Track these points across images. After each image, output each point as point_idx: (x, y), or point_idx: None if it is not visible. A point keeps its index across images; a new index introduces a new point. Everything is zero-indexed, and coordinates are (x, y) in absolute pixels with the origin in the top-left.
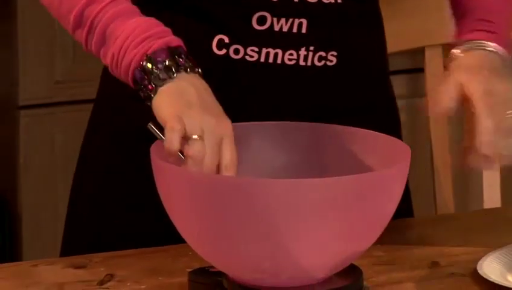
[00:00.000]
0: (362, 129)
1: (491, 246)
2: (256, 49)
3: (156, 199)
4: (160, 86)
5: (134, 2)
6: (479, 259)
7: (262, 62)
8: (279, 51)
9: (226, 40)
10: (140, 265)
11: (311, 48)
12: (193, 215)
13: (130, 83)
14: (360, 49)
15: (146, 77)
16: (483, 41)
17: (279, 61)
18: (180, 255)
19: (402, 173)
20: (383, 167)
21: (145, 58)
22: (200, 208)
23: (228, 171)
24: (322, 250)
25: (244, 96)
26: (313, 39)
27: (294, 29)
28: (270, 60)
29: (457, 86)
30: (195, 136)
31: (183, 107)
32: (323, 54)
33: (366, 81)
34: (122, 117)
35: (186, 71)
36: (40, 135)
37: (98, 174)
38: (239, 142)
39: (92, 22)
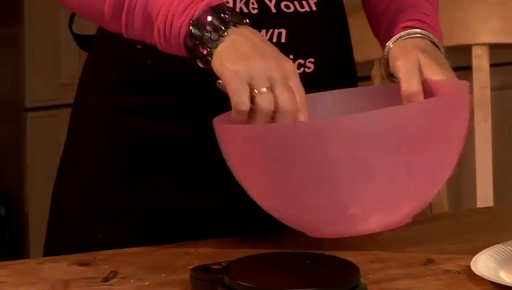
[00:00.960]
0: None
1: (485, 244)
2: None
3: (136, 208)
4: (215, 47)
5: None
6: (473, 257)
7: None
8: None
9: None
10: (143, 263)
11: (291, 56)
12: (274, 173)
13: (184, 53)
14: (333, 55)
15: (198, 42)
16: (414, 29)
17: None
18: (182, 253)
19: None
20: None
21: (191, 24)
22: (281, 163)
23: (302, 110)
24: (408, 183)
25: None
26: (292, 48)
27: (274, 39)
28: None
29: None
30: (263, 89)
31: (242, 61)
32: (301, 61)
33: (339, 85)
34: (100, 128)
35: (235, 26)
36: (46, 136)
37: (78, 184)
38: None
39: (129, 4)
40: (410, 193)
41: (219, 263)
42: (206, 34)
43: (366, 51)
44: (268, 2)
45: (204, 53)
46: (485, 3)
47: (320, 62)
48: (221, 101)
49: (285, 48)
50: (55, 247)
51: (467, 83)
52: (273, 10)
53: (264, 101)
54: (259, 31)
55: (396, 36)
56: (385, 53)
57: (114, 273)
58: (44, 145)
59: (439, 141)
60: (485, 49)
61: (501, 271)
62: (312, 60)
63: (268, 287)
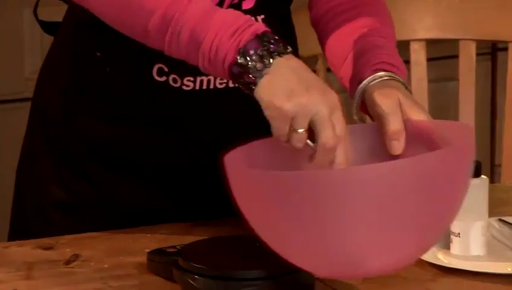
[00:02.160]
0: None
1: None
2: (191, 78)
3: (92, 202)
4: (260, 76)
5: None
6: None
7: (196, 90)
8: (212, 78)
9: (165, 69)
10: (103, 246)
11: None
12: (278, 215)
13: (229, 78)
14: None
15: (243, 70)
16: (383, 72)
17: (211, 86)
18: (139, 237)
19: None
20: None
21: (237, 53)
22: (286, 208)
23: (339, 143)
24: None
25: (181, 119)
26: None
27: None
28: (204, 87)
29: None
30: (300, 130)
31: (289, 98)
32: None
33: None
34: (54, 127)
35: (279, 55)
36: (11, 128)
37: (36, 179)
38: None
39: (176, 23)
40: (415, 240)
41: (174, 247)
42: (252, 63)
43: (309, 46)
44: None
45: (250, 81)
46: (421, 1)
47: None
48: (176, 110)
49: None
50: (19, 232)
51: (472, 127)
52: None
53: (295, 141)
54: None
55: (368, 80)
56: (358, 94)
57: (75, 257)
58: (9, 137)
59: (449, 187)
60: (422, 45)
61: (439, 253)
62: None
63: (219, 269)
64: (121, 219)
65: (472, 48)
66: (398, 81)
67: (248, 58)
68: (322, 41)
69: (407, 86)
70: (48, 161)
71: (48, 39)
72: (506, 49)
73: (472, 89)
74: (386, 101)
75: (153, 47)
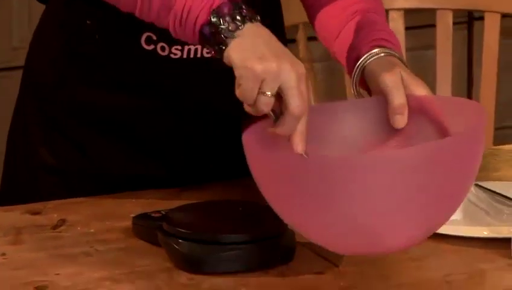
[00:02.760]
0: (428, 95)
1: None
2: (179, 47)
3: (82, 167)
4: (232, 37)
5: None
6: None
7: (184, 58)
8: (199, 47)
9: (154, 37)
10: (89, 211)
11: None
12: (294, 194)
13: (197, 41)
14: (264, 19)
15: (215, 30)
16: (381, 48)
17: (199, 55)
18: (124, 202)
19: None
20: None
21: (211, 13)
22: (299, 188)
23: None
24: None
25: (170, 87)
26: None
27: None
28: (191, 55)
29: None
30: (268, 93)
31: (261, 61)
32: None
33: None
34: (46, 94)
35: (250, 21)
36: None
37: (25, 143)
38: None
39: None
40: (427, 220)
41: (159, 211)
42: (225, 24)
43: (291, 16)
44: None
45: (220, 41)
46: None
47: None
48: (164, 78)
49: None
50: (9, 196)
51: (482, 107)
52: None
53: (261, 104)
54: None
55: (365, 56)
56: (357, 71)
57: (62, 221)
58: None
59: (462, 170)
60: (401, 14)
61: None
62: None
63: (202, 233)
64: (110, 185)
65: (449, 17)
66: (396, 56)
67: (221, 19)
68: (312, 15)
69: (404, 62)
70: (38, 127)
71: (36, 9)
72: (482, 18)
73: (449, 57)
74: (389, 77)
75: (124, 10)
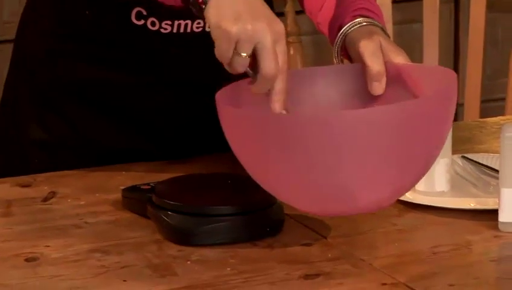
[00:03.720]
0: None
1: None
2: (169, 22)
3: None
4: None
5: None
6: None
7: (174, 33)
8: (189, 22)
9: (144, 12)
10: (79, 183)
11: None
12: (262, 153)
13: (179, 2)
14: None
15: None
16: (364, 18)
17: (189, 30)
18: (114, 175)
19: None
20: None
21: None
22: (268, 147)
23: (280, 74)
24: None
25: (160, 62)
26: None
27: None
28: (181, 30)
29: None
30: (243, 54)
31: (235, 21)
32: None
33: None
34: (37, 68)
35: None
36: None
37: (16, 117)
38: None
39: None
40: (396, 180)
41: (148, 184)
42: None
43: None
44: None
45: (199, 1)
46: None
47: None
48: (154, 53)
49: None
50: (1, 175)
51: (455, 74)
52: None
53: (236, 64)
54: None
55: (349, 25)
56: (339, 39)
57: (52, 194)
58: None
59: (431, 130)
60: None
61: None
62: None
63: (191, 205)
64: (100, 160)
65: None
66: (377, 26)
67: None
68: None
69: (385, 31)
70: (28, 101)
71: None
72: None
73: (436, 31)
74: (368, 45)
75: None
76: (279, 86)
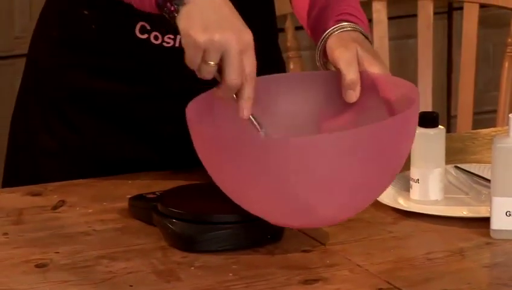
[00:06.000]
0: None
1: None
2: (172, 36)
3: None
4: (181, 4)
5: None
6: None
7: (176, 47)
8: None
9: (148, 27)
10: (87, 192)
11: None
12: (229, 170)
13: (156, 10)
14: (257, 23)
15: (166, 0)
16: (346, 23)
17: None
18: (121, 184)
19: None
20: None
21: None
22: (234, 165)
23: (248, 82)
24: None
25: (163, 74)
26: None
27: (173, 9)
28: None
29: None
30: (211, 63)
31: (203, 32)
32: None
33: (263, 38)
34: (46, 80)
35: None
36: (2, 82)
37: (26, 127)
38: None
39: None
40: (349, 195)
41: (154, 193)
42: None
43: (280, 6)
44: None
45: (172, 10)
46: None
47: (246, 18)
48: (157, 66)
49: None
50: (11, 180)
51: (415, 87)
52: None
53: (204, 71)
54: None
55: (330, 30)
56: (321, 43)
57: (62, 202)
58: (1, 91)
59: (391, 152)
60: (384, 4)
61: (399, 197)
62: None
63: (195, 213)
64: (106, 168)
65: (430, 7)
66: (360, 32)
67: None
68: None
69: (368, 37)
70: (38, 110)
71: (37, 0)
72: (461, 8)
73: (430, 46)
74: (344, 53)
75: None
76: (246, 93)
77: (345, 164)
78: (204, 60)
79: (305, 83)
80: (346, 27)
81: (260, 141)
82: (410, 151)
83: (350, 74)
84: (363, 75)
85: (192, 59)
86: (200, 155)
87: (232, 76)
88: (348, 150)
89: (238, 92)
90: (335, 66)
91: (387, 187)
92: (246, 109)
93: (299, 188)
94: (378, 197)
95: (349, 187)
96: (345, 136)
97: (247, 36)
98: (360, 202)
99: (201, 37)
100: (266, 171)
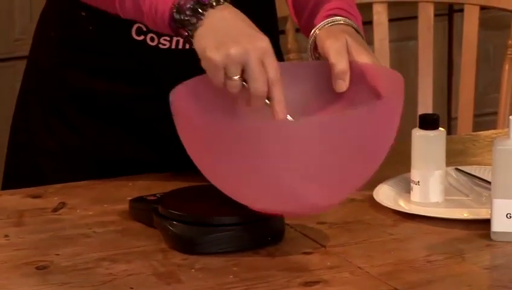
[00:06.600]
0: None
1: (385, 176)
2: (168, 38)
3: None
4: (194, 29)
5: None
6: (376, 187)
7: (173, 49)
8: None
9: (144, 28)
10: (88, 195)
11: None
12: (215, 157)
13: (173, 34)
14: (258, 25)
15: (180, 25)
16: (337, 17)
17: (187, 46)
18: (121, 186)
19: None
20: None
21: (173, 10)
22: (218, 151)
23: (274, 86)
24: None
25: (160, 75)
26: None
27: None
28: (180, 46)
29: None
30: (235, 77)
31: (218, 50)
32: None
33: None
34: (46, 80)
35: (212, 7)
36: (2, 84)
37: (27, 128)
38: None
39: None
40: (332, 182)
41: (154, 195)
42: (187, 18)
43: (280, 8)
44: None
45: (187, 35)
46: None
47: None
48: (153, 67)
49: None
50: (12, 181)
51: (401, 77)
52: None
53: (231, 87)
54: None
55: (321, 24)
56: (311, 38)
57: (62, 204)
58: (1, 93)
59: (374, 138)
60: (384, 6)
61: (400, 199)
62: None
63: (195, 215)
64: (104, 169)
65: (430, 9)
66: (351, 25)
67: (182, 15)
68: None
69: (358, 31)
70: (38, 110)
71: (37, 0)
72: (462, 10)
73: (430, 48)
74: (334, 43)
75: (113, 11)
76: (276, 97)
77: (327, 149)
78: (227, 77)
79: (295, 72)
80: (337, 21)
81: (241, 125)
82: (394, 138)
83: (340, 64)
84: (353, 65)
85: (215, 78)
86: (184, 144)
87: (255, 85)
88: (327, 135)
89: (268, 98)
90: (325, 57)
91: (368, 177)
92: (280, 112)
93: (281, 173)
94: (360, 185)
95: (330, 173)
96: (322, 121)
97: (263, 42)
98: (342, 188)
99: (217, 56)
100: (246, 156)
